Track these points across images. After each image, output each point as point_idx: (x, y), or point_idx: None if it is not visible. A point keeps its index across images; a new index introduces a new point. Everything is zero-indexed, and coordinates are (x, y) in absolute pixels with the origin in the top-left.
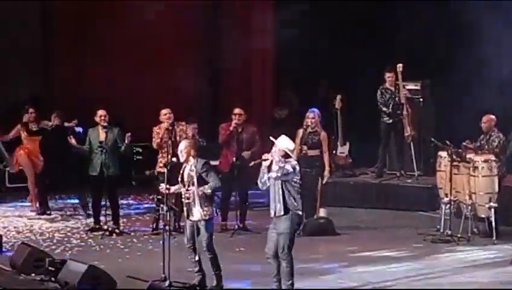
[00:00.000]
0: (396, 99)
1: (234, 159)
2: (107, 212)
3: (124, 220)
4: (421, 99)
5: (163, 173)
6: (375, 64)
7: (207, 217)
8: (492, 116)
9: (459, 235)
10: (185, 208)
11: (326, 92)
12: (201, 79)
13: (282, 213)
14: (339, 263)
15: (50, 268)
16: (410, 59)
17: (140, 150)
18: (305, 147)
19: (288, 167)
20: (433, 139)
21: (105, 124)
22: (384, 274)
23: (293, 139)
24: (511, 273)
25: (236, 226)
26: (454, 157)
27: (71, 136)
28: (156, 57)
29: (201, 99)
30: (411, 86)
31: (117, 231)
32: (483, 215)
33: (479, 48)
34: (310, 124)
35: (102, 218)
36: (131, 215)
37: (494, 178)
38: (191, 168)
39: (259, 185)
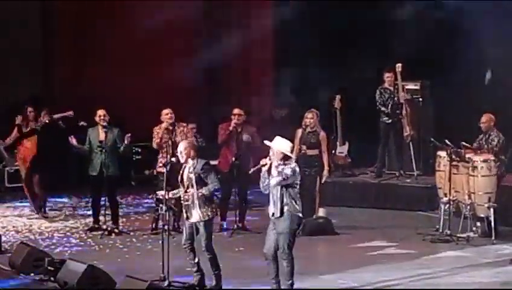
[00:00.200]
0: (396, 99)
1: (233, 159)
2: (107, 212)
3: (123, 220)
4: (421, 99)
5: (163, 173)
6: (374, 64)
7: (206, 218)
8: (492, 116)
9: (458, 235)
10: (184, 210)
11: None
12: (200, 79)
13: (278, 215)
14: (339, 263)
15: (49, 268)
16: (410, 59)
17: (140, 150)
18: (304, 147)
19: (288, 171)
20: (432, 139)
21: (105, 123)
22: (383, 274)
23: (293, 139)
24: (511, 273)
25: (235, 226)
26: (453, 157)
27: (72, 137)
28: (155, 57)
29: (200, 99)
30: (410, 86)
31: (116, 230)
32: (482, 215)
33: (478, 48)
34: (308, 124)
35: (101, 218)
36: (130, 215)
37: (493, 178)
38: (190, 169)
39: (261, 189)
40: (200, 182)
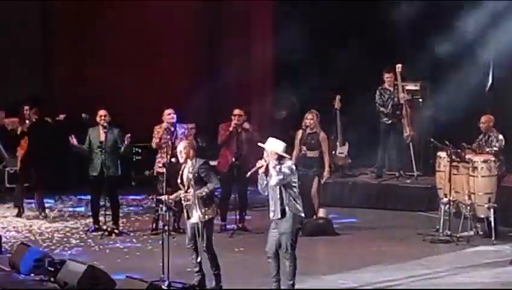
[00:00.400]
0: (395, 99)
1: (233, 159)
2: (107, 213)
3: (124, 220)
4: (420, 100)
5: (163, 173)
6: (374, 65)
7: (206, 219)
8: (491, 117)
9: (458, 236)
10: (184, 210)
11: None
12: (200, 79)
13: (280, 217)
14: (339, 263)
15: (49, 268)
16: (410, 59)
17: (140, 151)
18: (304, 148)
19: (285, 170)
20: (432, 140)
21: (106, 124)
22: (384, 274)
23: (293, 140)
24: (511, 274)
25: (235, 227)
26: (453, 157)
27: (72, 136)
28: (155, 57)
29: (200, 99)
30: (410, 87)
31: (116, 231)
32: (482, 216)
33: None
34: (308, 124)
35: (101, 218)
36: (130, 215)
37: (493, 178)
38: (189, 169)
39: (260, 191)
40: (200, 182)
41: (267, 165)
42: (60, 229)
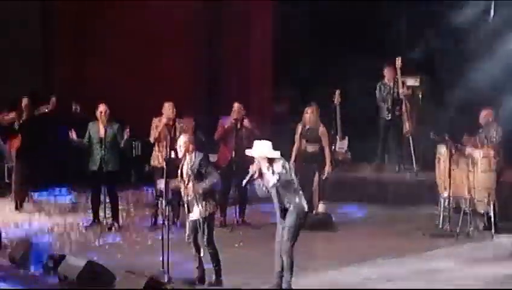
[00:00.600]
0: (395, 94)
1: (233, 154)
2: (106, 208)
3: (123, 215)
4: (420, 95)
5: (159, 167)
6: (374, 60)
7: (207, 213)
8: (491, 111)
9: (458, 230)
10: (185, 205)
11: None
12: (200, 74)
13: (283, 216)
14: (338, 258)
15: (49, 263)
16: (410, 54)
17: (140, 145)
18: (304, 142)
19: (279, 170)
20: (432, 135)
21: (105, 119)
22: (383, 269)
23: (293, 135)
24: (511, 268)
25: (235, 221)
26: (453, 152)
27: (72, 131)
28: (155, 57)
29: (200, 94)
30: (410, 82)
31: (116, 226)
32: (482, 211)
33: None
34: (308, 119)
35: (101, 213)
36: (130, 210)
37: (493, 173)
38: (189, 164)
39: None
40: (199, 177)
41: (260, 170)
42: (59, 224)
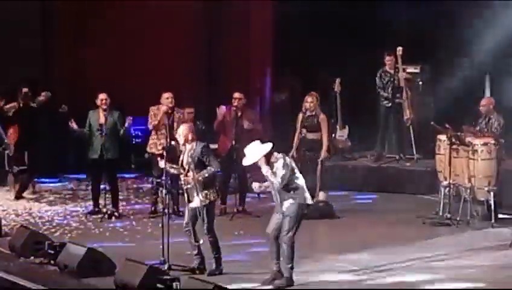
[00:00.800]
0: (396, 82)
1: (233, 142)
2: (107, 196)
3: (123, 203)
4: (421, 83)
5: (157, 154)
6: (374, 48)
7: (207, 202)
8: (491, 99)
9: (458, 219)
10: (185, 193)
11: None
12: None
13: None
14: (339, 246)
15: (49, 251)
16: (411, 42)
17: (140, 134)
18: (304, 131)
19: (280, 171)
20: (432, 123)
21: (106, 107)
22: (383, 257)
23: (294, 123)
24: (511, 257)
25: (235, 210)
26: (453, 140)
27: (72, 120)
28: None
29: (199, 84)
30: (411, 70)
31: (116, 214)
32: (482, 199)
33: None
34: (308, 107)
35: (101, 201)
36: (130, 198)
37: (493, 161)
38: (190, 152)
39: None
40: (200, 166)
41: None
42: (60, 212)
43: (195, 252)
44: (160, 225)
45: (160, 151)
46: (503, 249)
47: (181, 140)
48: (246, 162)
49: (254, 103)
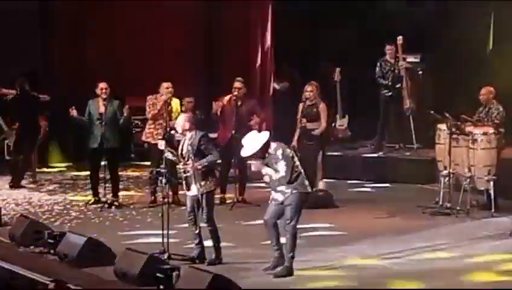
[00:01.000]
0: (396, 72)
1: (233, 131)
2: (107, 185)
3: (123, 192)
4: (421, 72)
5: (153, 144)
6: (374, 38)
7: (206, 191)
8: (491, 89)
9: (458, 208)
10: (183, 182)
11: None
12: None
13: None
14: (339, 236)
15: (49, 240)
16: (411, 32)
17: (139, 123)
18: (304, 120)
19: (281, 167)
20: (432, 112)
21: (105, 96)
22: (383, 247)
23: (294, 113)
24: (510, 246)
25: (235, 199)
26: (453, 130)
27: (73, 108)
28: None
29: (199, 73)
30: (411, 59)
31: (116, 203)
32: (482, 188)
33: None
34: (308, 96)
35: (101, 191)
36: (130, 187)
37: (493, 151)
38: (189, 141)
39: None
40: (199, 154)
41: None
42: (59, 202)
43: (196, 241)
44: (160, 215)
45: (156, 141)
46: (503, 238)
47: (179, 129)
48: (244, 153)
49: (254, 93)
